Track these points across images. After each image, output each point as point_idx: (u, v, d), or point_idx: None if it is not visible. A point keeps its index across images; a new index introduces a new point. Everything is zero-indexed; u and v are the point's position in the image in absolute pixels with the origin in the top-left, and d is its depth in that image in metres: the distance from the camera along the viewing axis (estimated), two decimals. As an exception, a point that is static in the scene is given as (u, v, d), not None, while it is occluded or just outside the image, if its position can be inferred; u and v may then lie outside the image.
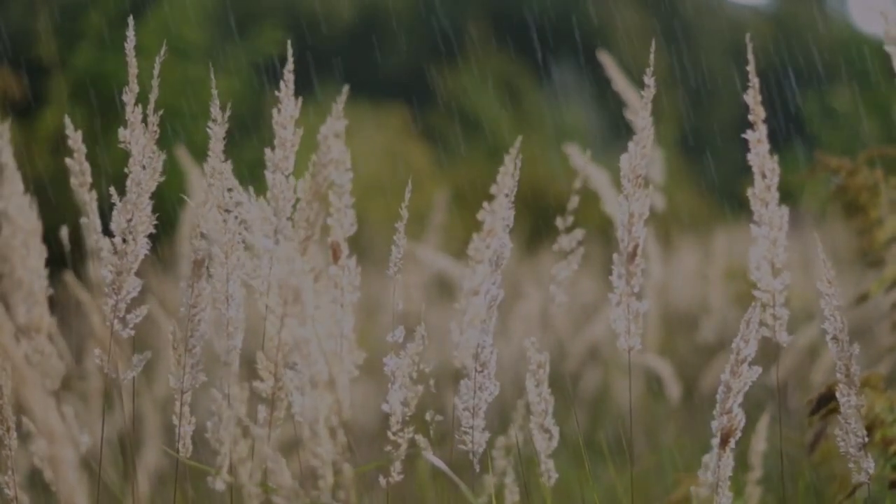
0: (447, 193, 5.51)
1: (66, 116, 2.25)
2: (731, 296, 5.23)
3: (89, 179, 2.32)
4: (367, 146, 12.41)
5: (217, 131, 2.10)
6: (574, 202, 2.58)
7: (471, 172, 11.33)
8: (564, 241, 2.55)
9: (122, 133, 2.11)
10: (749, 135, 2.10)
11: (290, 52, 2.12)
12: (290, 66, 2.11)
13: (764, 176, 2.10)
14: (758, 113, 2.09)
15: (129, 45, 2.11)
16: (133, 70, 2.11)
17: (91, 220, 2.33)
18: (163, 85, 2.12)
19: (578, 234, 2.55)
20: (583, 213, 2.63)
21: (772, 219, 2.10)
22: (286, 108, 2.12)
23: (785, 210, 2.09)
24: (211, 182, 2.10)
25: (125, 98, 2.10)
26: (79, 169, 2.30)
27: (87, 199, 2.35)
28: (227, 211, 2.10)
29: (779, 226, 2.09)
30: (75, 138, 2.25)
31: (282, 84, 2.11)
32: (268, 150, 2.11)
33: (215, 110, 2.10)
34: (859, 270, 5.33)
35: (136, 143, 2.11)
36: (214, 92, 2.11)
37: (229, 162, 2.12)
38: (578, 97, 19.21)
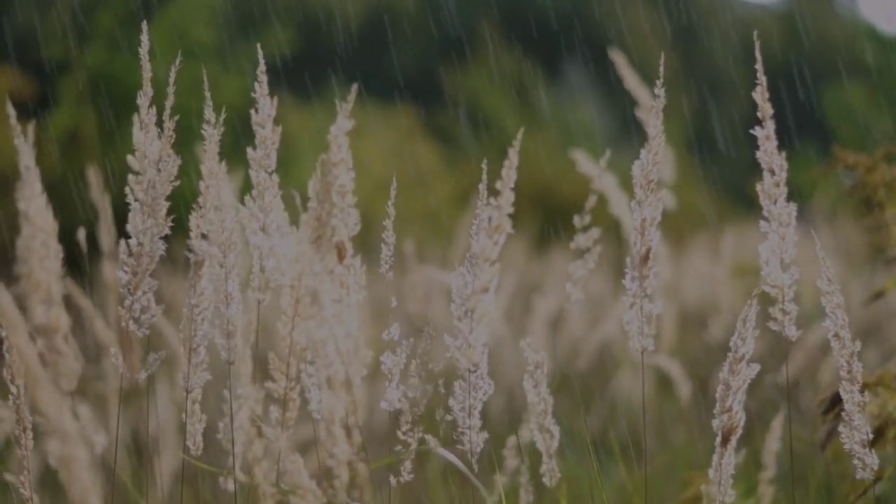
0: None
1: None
2: (741, 293, 5.22)
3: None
4: (377, 146, 12.40)
5: (212, 133, 2.11)
6: (592, 200, 2.58)
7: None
8: (581, 240, 2.55)
9: (137, 136, 2.12)
10: (757, 131, 2.09)
11: (260, 55, 2.17)
12: (262, 67, 2.16)
13: (773, 172, 2.09)
14: (766, 110, 2.09)
15: (144, 49, 2.11)
16: (147, 74, 2.11)
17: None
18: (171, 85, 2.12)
19: (595, 232, 2.54)
20: (591, 213, 2.63)
21: (780, 215, 2.09)
22: (263, 107, 2.15)
23: (793, 206, 2.09)
24: (209, 183, 2.10)
25: (139, 101, 2.10)
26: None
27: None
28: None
29: (787, 222, 2.09)
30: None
31: (255, 85, 2.14)
32: (249, 150, 2.13)
33: (209, 112, 2.11)
34: (872, 268, 5.31)
35: (149, 145, 2.11)
36: (207, 94, 2.12)
37: (224, 164, 2.13)
38: (588, 96, 19.19)
